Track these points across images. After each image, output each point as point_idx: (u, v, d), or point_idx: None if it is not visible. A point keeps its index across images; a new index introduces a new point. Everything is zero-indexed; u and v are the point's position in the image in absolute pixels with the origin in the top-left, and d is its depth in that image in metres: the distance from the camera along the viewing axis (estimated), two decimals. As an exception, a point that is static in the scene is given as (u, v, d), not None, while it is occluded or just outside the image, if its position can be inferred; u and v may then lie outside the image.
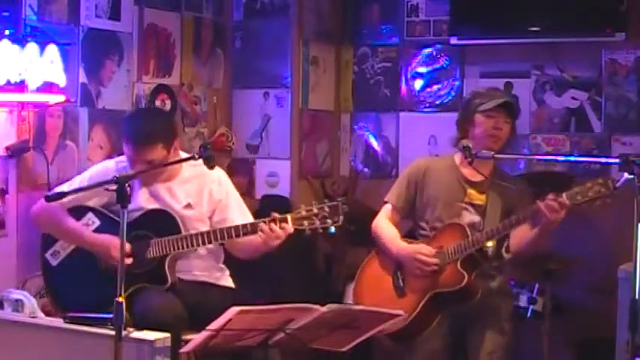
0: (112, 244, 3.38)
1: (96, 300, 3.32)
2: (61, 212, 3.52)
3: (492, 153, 3.43)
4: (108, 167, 3.63)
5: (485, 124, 3.54)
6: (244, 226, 3.43)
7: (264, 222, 3.37)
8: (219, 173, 3.68)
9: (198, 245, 3.48)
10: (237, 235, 3.43)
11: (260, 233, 3.36)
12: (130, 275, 3.39)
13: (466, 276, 3.42)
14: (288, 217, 3.37)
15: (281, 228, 3.34)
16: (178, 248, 3.44)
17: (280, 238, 3.37)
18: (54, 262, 3.60)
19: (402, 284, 3.59)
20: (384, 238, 3.67)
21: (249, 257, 3.61)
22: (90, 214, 3.57)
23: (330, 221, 3.35)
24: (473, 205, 3.56)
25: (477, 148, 3.49)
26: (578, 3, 4.66)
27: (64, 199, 3.30)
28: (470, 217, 3.55)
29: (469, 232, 3.46)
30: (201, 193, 3.60)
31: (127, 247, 3.41)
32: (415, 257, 3.52)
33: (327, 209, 3.36)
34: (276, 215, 3.37)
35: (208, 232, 3.46)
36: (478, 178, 3.56)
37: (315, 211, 3.36)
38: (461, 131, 3.63)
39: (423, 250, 3.53)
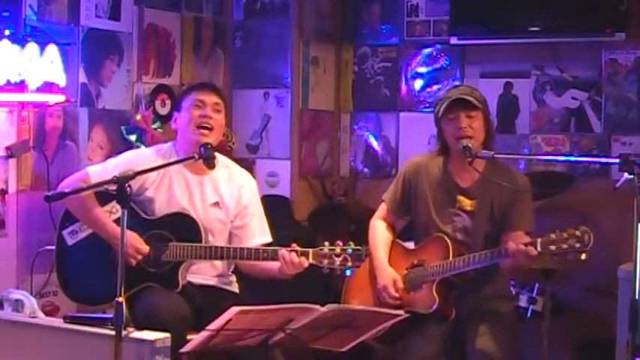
0: (132, 242, 3.38)
1: (103, 289, 3.33)
2: (91, 196, 3.49)
3: (492, 153, 3.41)
4: (144, 154, 3.64)
5: (450, 128, 3.49)
6: (265, 250, 3.44)
7: (286, 250, 3.38)
8: (250, 180, 3.72)
9: (215, 258, 3.50)
10: (257, 258, 3.44)
11: (281, 260, 3.37)
12: (143, 273, 3.42)
13: (437, 301, 3.39)
14: (310, 252, 3.37)
15: (300, 263, 3.36)
16: (195, 257, 3.45)
17: (297, 270, 3.37)
18: (70, 242, 3.58)
19: (378, 292, 3.60)
20: (371, 244, 3.67)
21: (257, 277, 3.63)
22: (114, 202, 3.50)
23: (350, 264, 3.36)
24: (464, 210, 3.55)
25: (455, 153, 3.49)
26: (578, 3, 4.66)
27: (91, 179, 3.43)
28: (462, 222, 3.53)
29: (451, 253, 3.42)
30: (231, 195, 3.61)
31: (146, 249, 3.43)
32: (381, 291, 3.53)
33: (349, 252, 3.36)
34: (297, 248, 3.38)
35: (228, 249, 3.47)
36: (468, 183, 3.54)
37: (338, 251, 3.36)
38: (440, 141, 3.60)
39: (389, 289, 3.51)
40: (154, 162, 3.47)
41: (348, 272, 3.41)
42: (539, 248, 3.14)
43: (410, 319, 3.27)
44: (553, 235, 3.12)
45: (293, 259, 3.35)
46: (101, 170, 3.53)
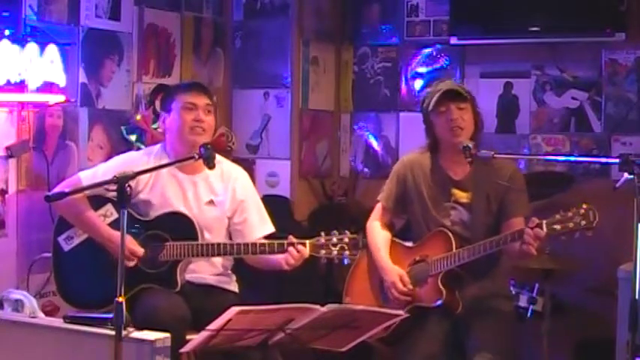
0: (127, 244, 3.36)
1: (101, 293, 3.33)
2: (83, 200, 3.50)
3: (492, 153, 3.41)
4: (133, 158, 3.64)
5: (441, 121, 3.51)
6: (262, 244, 3.45)
7: (284, 243, 3.40)
8: (242, 174, 3.71)
9: (213, 255, 3.50)
10: (254, 252, 3.44)
11: (287, 253, 3.39)
12: (141, 274, 3.42)
13: (444, 293, 3.41)
14: (307, 242, 3.38)
15: (298, 251, 3.37)
16: (193, 255, 3.45)
17: (299, 260, 3.39)
18: (66, 248, 3.58)
19: (386, 290, 3.61)
20: (372, 245, 3.68)
21: (262, 269, 3.63)
22: (109, 206, 3.54)
23: (347, 253, 3.37)
24: (459, 203, 3.55)
25: (446, 147, 3.50)
26: (578, 3, 4.66)
27: (83, 184, 3.38)
28: (459, 215, 3.55)
29: (454, 246, 3.43)
30: (225, 192, 3.61)
31: (140, 250, 3.43)
32: (390, 288, 3.54)
33: (346, 240, 3.37)
34: (294, 239, 3.39)
35: (225, 245, 3.47)
36: (460, 176, 3.55)
37: (335, 240, 3.37)
38: (429, 136, 3.61)
39: (398, 285, 3.52)
40: (145, 164, 3.46)
41: (346, 261, 3.41)
42: (544, 229, 3.15)
43: (410, 318, 3.28)
44: (558, 216, 3.14)
45: (292, 251, 3.36)
46: (92, 175, 3.54)
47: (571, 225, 3.10)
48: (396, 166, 3.78)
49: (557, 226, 3.13)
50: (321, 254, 3.38)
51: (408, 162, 3.69)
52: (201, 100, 3.56)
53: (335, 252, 3.37)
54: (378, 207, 3.76)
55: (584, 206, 3.09)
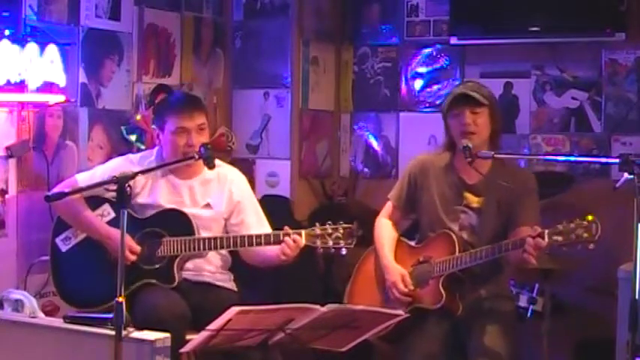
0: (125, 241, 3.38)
1: (99, 292, 3.34)
2: (80, 200, 3.52)
3: (492, 153, 3.41)
4: (132, 161, 3.64)
5: (454, 124, 3.49)
6: (258, 236, 3.45)
7: (279, 234, 3.40)
8: (238, 176, 3.72)
9: (209, 249, 3.50)
10: (250, 244, 3.45)
11: (283, 244, 3.39)
12: (139, 270, 3.44)
13: (444, 297, 3.40)
14: (302, 232, 3.40)
15: (294, 241, 3.38)
16: (190, 249, 3.45)
17: (295, 251, 3.39)
18: (63, 248, 3.61)
19: (387, 290, 3.60)
20: (377, 242, 3.69)
21: (259, 266, 3.64)
22: (106, 206, 3.57)
23: (342, 243, 3.39)
24: (470, 207, 3.54)
25: (460, 150, 3.49)
26: (578, 3, 4.66)
27: (80, 186, 3.38)
28: (469, 219, 3.54)
29: (457, 249, 3.43)
30: (221, 194, 3.62)
31: (137, 248, 3.43)
32: (391, 288, 3.54)
33: (341, 230, 3.39)
34: (289, 230, 3.40)
35: (221, 238, 3.48)
36: (475, 180, 3.53)
37: (330, 231, 3.40)
38: (447, 137, 3.60)
39: (399, 285, 3.52)
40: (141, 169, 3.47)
41: (343, 251, 3.42)
42: (546, 239, 3.13)
43: (411, 317, 3.28)
44: (560, 227, 3.12)
45: (288, 241, 3.37)
46: (90, 177, 3.56)
47: (573, 237, 3.09)
48: (408, 164, 3.76)
49: (559, 237, 3.11)
50: (317, 244, 3.40)
51: (420, 162, 3.68)
52: (193, 122, 3.53)
53: (331, 242, 3.39)
54: (388, 205, 3.76)
55: (589, 218, 3.08)
